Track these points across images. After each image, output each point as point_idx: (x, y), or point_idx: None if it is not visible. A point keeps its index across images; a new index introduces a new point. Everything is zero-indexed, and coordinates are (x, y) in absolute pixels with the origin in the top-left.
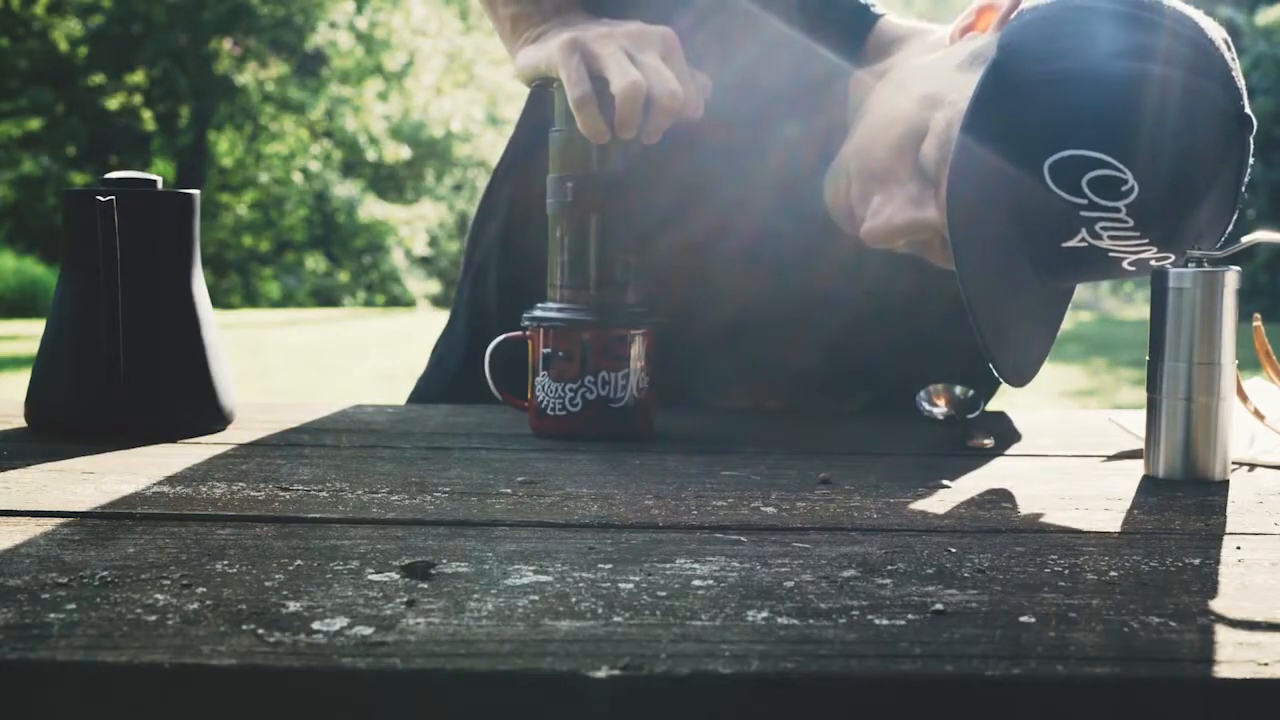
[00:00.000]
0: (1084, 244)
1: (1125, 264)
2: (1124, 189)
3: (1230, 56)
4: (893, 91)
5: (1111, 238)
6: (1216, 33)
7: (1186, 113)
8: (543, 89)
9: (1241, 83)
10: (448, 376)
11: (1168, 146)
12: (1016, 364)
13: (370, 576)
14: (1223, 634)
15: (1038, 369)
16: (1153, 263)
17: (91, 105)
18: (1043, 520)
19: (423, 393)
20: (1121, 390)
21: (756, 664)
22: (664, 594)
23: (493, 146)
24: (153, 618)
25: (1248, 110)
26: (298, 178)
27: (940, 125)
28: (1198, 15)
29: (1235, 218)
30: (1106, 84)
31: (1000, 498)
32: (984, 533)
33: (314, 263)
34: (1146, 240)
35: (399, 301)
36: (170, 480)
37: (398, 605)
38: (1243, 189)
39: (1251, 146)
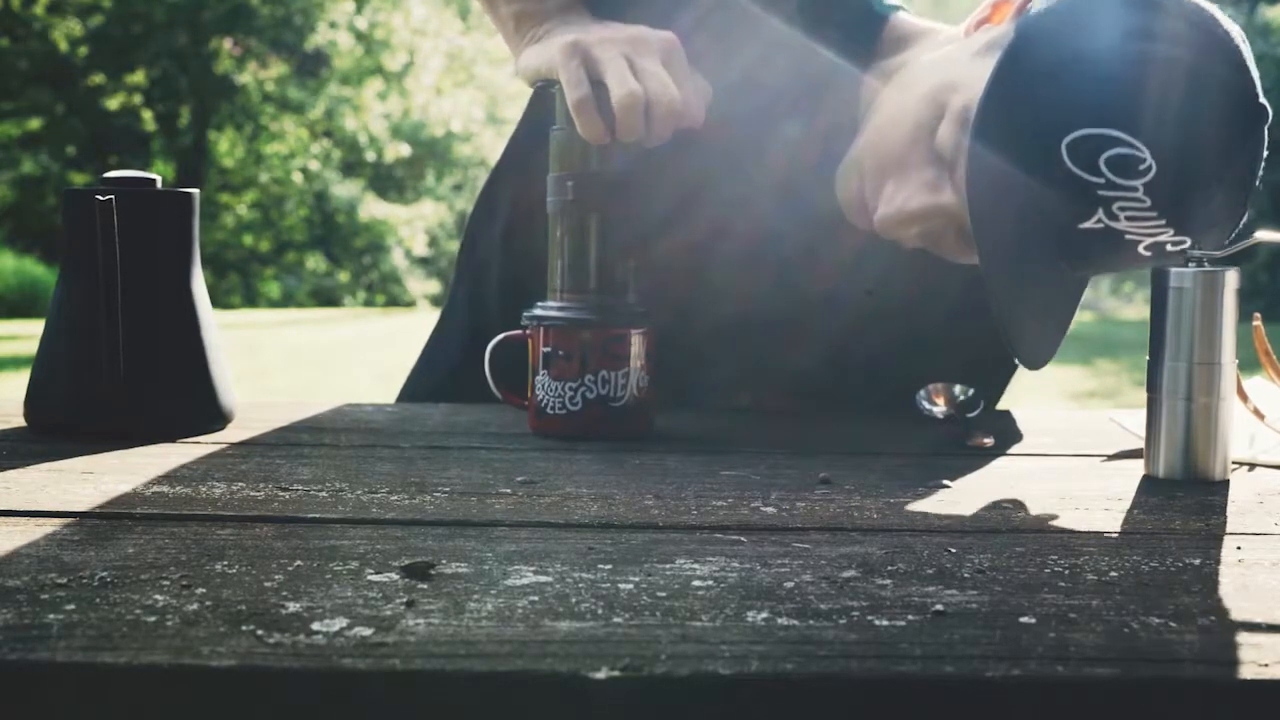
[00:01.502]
0: (1100, 225)
1: (1141, 248)
2: (1141, 168)
3: (1247, 50)
4: (904, 87)
5: (1129, 218)
6: (1232, 26)
7: (1204, 94)
8: (545, 89)
9: (1257, 74)
10: (439, 374)
11: (1186, 126)
12: (1031, 346)
13: (370, 577)
14: (1223, 634)
15: (1052, 354)
16: (1169, 248)
17: (91, 105)
18: (1043, 520)
19: (412, 392)
20: (1125, 391)
21: (756, 665)
22: (664, 594)
23: (493, 146)
24: (152, 618)
25: (1263, 100)
26: (298, 178)
27: (957, 107)
28: (1213, 8)
29: (1248, 211)
30: (1125, 63)
31: (1000, 498)
32: (984, 533)
33: (314, 263)
34: (1163, 221)
35: (399, 301)
36: (170, 480)
37: (397, 606)
38: (1257, 181)
39: (1267, 138)
